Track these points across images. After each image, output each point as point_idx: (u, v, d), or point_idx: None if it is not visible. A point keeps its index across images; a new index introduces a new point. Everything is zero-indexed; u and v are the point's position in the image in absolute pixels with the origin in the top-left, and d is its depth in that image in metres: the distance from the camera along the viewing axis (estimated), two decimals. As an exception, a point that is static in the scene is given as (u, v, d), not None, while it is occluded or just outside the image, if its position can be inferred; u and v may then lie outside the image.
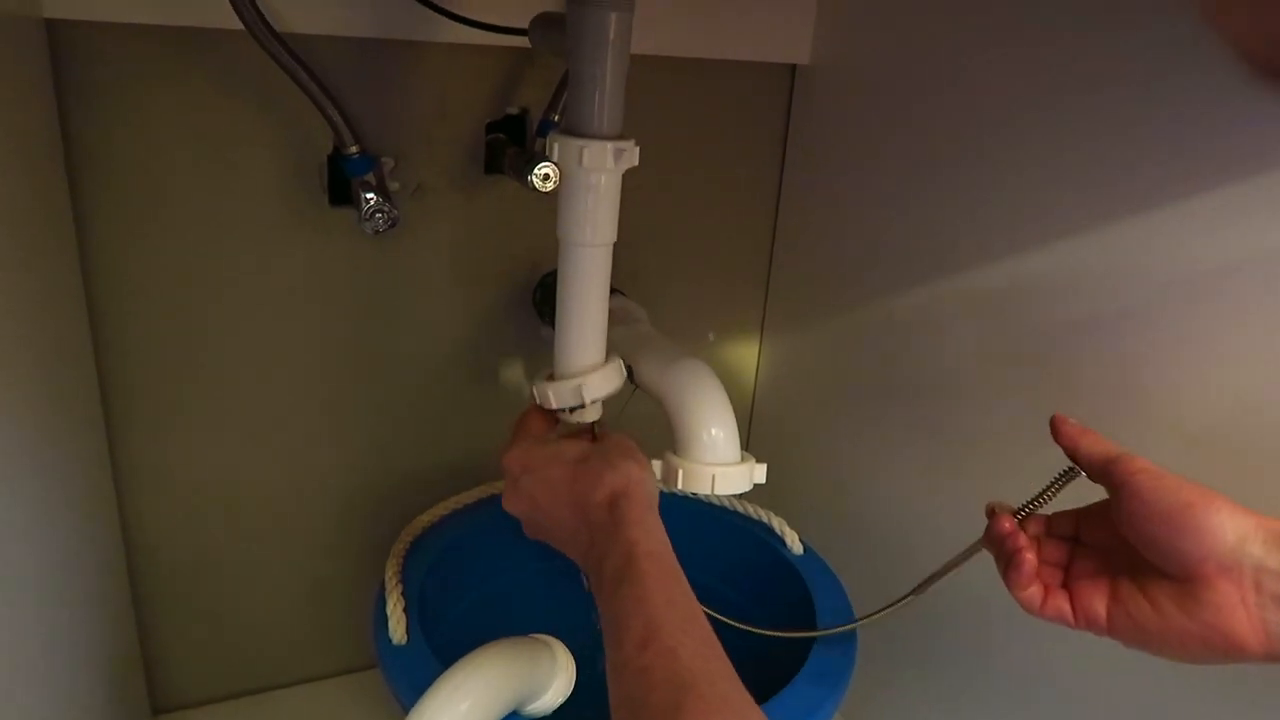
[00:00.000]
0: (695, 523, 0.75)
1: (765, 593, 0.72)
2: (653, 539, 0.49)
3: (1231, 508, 0.42)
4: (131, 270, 0.68)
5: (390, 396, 0.80)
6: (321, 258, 0.73)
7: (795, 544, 0.71)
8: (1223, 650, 0.42)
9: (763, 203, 0.90)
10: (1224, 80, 0.51)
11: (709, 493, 0.59)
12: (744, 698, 0.41)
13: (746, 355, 0.96)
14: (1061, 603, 0.48)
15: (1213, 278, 0.53)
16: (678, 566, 0.48)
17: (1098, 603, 0.46)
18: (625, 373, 0.62)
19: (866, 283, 0.80)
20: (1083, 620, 0.47)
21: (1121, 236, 0.57)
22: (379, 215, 0.68)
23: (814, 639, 0.61)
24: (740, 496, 0.73)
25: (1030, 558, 0.48)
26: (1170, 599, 0.43)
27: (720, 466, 0.59)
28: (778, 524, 0.72)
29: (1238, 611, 0.41)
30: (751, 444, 0.98)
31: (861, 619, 0.60)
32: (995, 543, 0.50)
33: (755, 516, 0.74)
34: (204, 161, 0.67)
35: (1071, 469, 0.49)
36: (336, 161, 0.68)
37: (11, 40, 0.54)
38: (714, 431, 0.59)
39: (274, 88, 0.65)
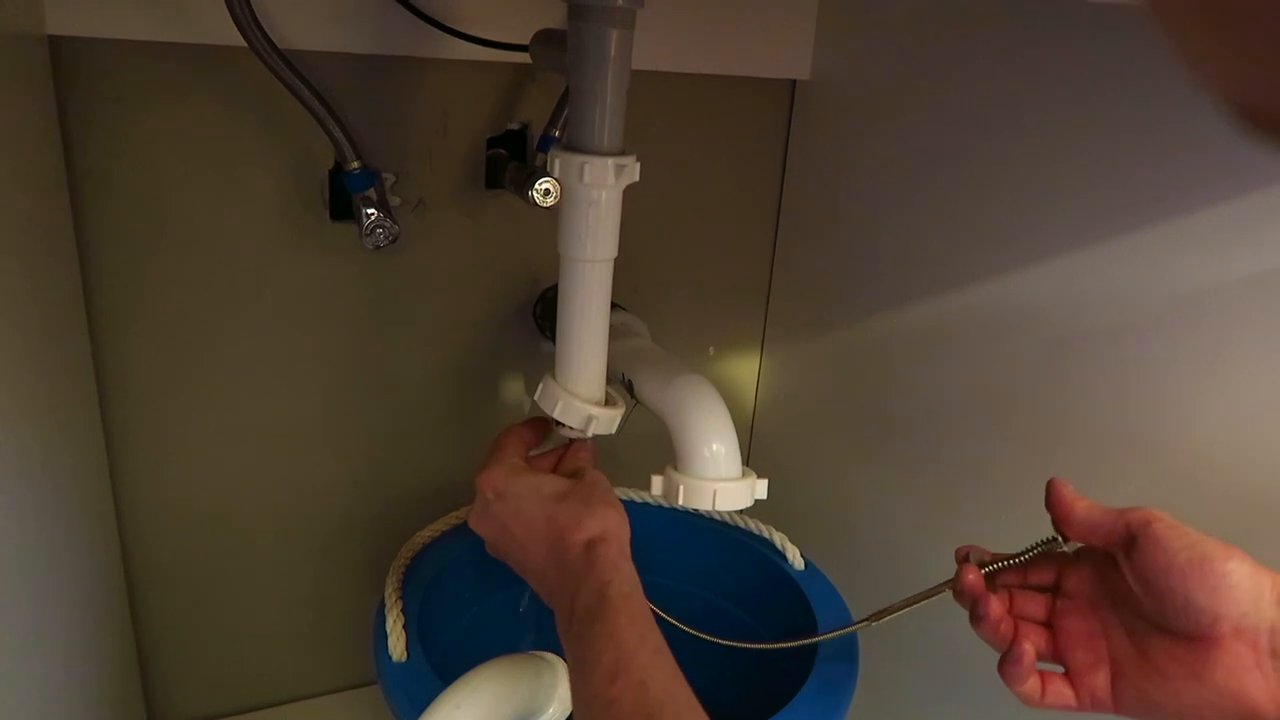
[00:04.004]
0: (696, 538, 0.75)
1: (766, 607, 0.71)
2: (626, 581, 0.49)
3: (1250, 566, 0.40)
4: (132, 285, 0.68)
5: (391, 411, 0.80)
6: (322, 273, 0.73)
7: (796, 559, 0.71)
8: (1235, 715, 0.40)
9: (763, 218, 0.90)
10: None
11: (710, 508, 0.59)
12: None
13: (747, 370, 0.96)
14: (1062, 688, 0.45)
15: (1216, 296, 0.53)
16: (648, 608, 0.48)
17: (1099, 678, 0.44)
18: (627, 393, 0.62)
19: (867, 297, 0.80)
20: (1087, 701, 0.44)
21: (1124, 254, 0.57)
22: (380, 230, 0.68)
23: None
24: (741, 512, 0.73)
25: (1029, 649, 0.45)
26: (1177, 662, 0.41)
27: (721, 482, 0.58)
28: (779, 539, 0.72)
29: (1252, 674, 0.39)
30: (752, 459, 0.98)
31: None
32: (963, 595, 0.48)
33: (756, 532, 0.74)
34: (206, 177, 0.68)
35: (1053, 539, 0.47)
36: (338, 177, 0.69)
37: (14, 57, 0.55)
38: (715, 447, 0.59)
39: (276, 104, 0.66)
